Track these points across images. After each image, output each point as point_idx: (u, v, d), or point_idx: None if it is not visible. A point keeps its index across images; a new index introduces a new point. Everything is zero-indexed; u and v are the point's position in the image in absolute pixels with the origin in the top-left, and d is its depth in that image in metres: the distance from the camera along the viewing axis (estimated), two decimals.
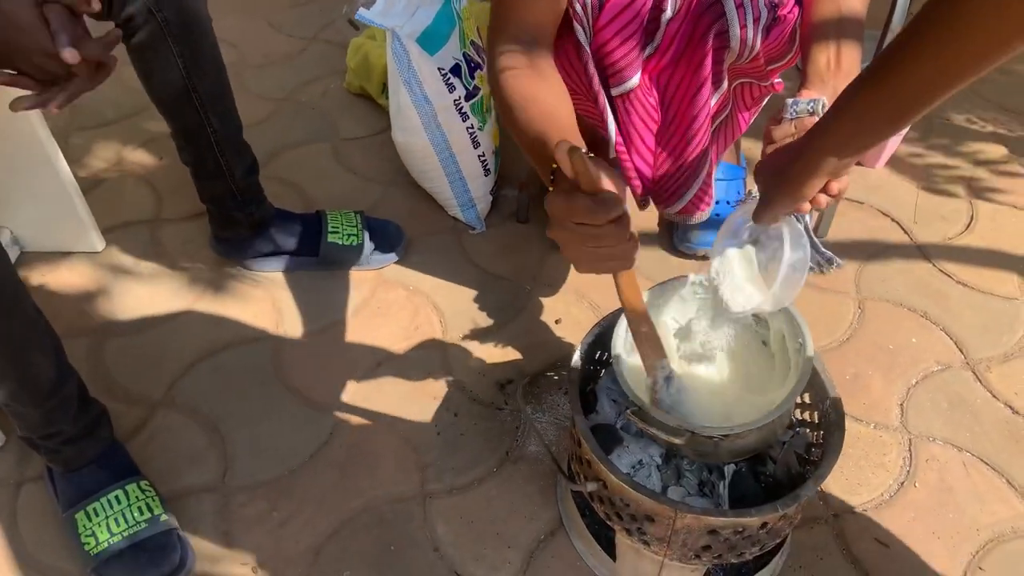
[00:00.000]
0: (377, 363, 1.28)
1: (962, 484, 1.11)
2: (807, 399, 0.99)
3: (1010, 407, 1.20)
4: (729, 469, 0.91)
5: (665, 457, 0.95)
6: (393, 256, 1.43)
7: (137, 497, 1.05)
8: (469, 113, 1.42)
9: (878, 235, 1.50)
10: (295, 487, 1.11)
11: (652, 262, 1.45)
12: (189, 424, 1.19)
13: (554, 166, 0.71)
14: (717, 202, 1.48)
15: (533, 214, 1.53)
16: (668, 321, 0.97)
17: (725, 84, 1.09)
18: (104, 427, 1.09)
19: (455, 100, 1.39)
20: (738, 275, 0.89)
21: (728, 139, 1.22)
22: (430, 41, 1.36)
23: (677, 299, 0.97)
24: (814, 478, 0.85)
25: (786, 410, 0.84)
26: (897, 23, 1.30)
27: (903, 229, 1.51)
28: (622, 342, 0.91)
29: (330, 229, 1.40)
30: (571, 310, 1.37)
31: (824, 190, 0.79)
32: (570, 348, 1.30)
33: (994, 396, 1.22)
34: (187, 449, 1.16)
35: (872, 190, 1.59)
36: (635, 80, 1.02)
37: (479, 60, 1.46)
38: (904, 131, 1.58)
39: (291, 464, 1.14)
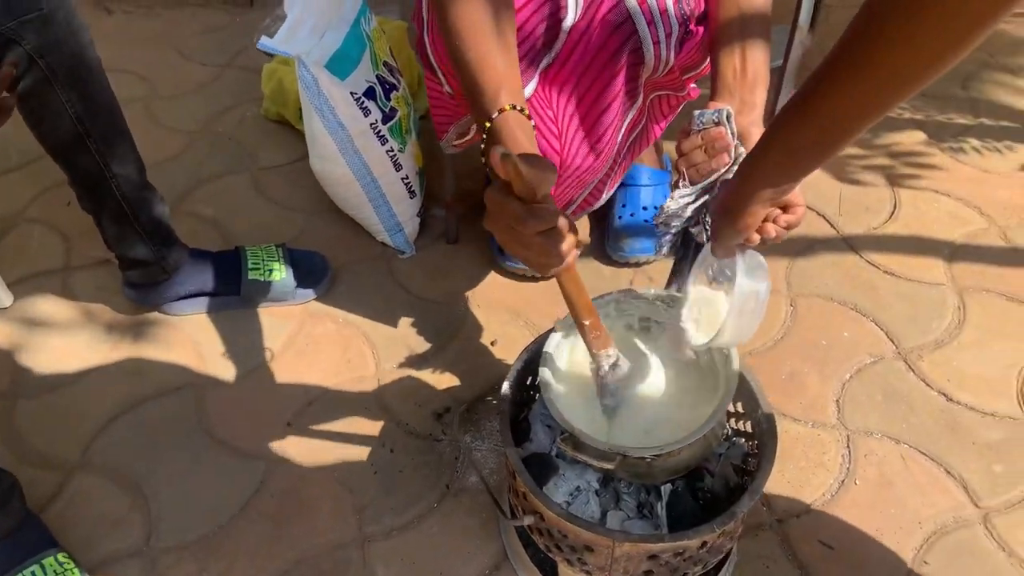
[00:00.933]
0: (308, 403, 1.23)
1: (901, 477, 1.11)
2: (740, 408, 0.98)
3: (944, 395, 1.21)
4: (666, 489, 0.89)
5: (603, 481, 0.93)
6: (318, 289, 1.39)
7: (55, 571, 0.99)
8: (388, 136, 1.39)
9: (805, 230, 1.51)
10: (225, 543, 1.06)
11: (585, 273, 1.42)
12: (109, 486, 1.13)
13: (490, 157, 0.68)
14: (645, 208, 1.48)
15: (463, 234, 1.51)
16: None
17: (640, 99, 1.08)
18: (16, 499, 1.02)
19: (371, 124, 1.35)
20: (699, 310, 0.88)
21: (639, 149, 1.21)
22: (340, 65, 1.32)
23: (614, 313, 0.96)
24: (749, 492, 0.84)
25: (714, 425, 0.83)
26: (804, 19, 1.31)
27: (829, 223, 1.53)
28: (549, 368, 0.89)
29: (250, 265, 1.35)
30: (507, 330, 1.34)
31: (774, 221, 0.80)
32: (507, 371, 1.27)
33: (928, 385, 1.23)
34: (108, 513, 1.10)
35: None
36: (528, 90, 0.99)
37: (394, 81, 1.43)
38: None
39: (220, 519, 1.09)
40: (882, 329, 1.32)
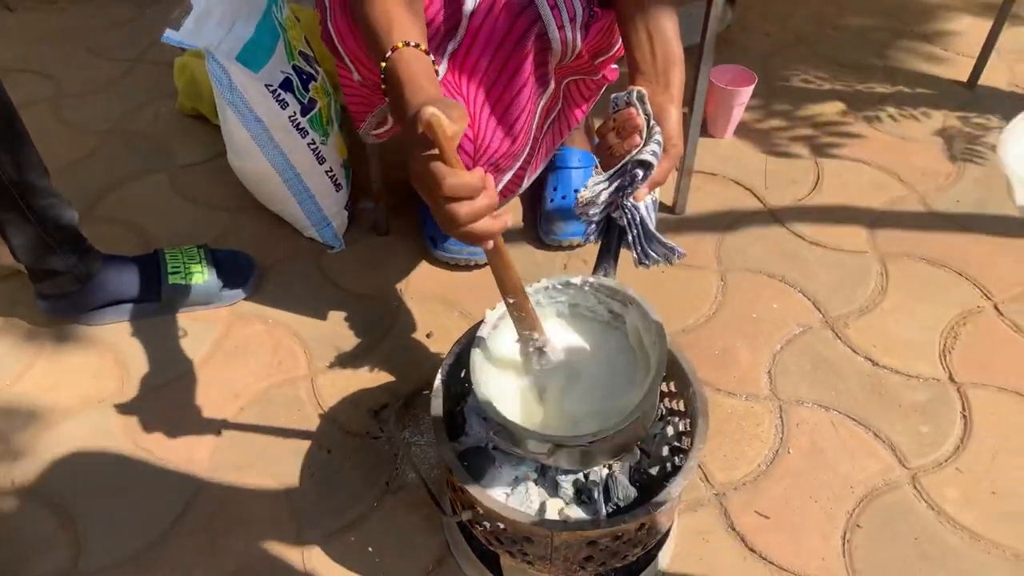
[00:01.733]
0: (239, 408, 1.20)
1: (832, 444, 1.14)
2: (672, 387, 0.99)
3: (870, 360, 1.25)
4: (601, 474, 0.89)
5: (540, 470, 0.92)
6: (245, 290, 1.35)
7: None
8: (308, 128, 1.35)
9: (734, 205, 1.53)
10: (159, 560, 1.03)
11: (518, 257, 1.42)
12: (33, 507, 1.08)
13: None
14: (576, 191, 1.46)
15: (394, 225, 1.48)
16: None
17: (552, 85, 1.07)
18: None
19: (290, 117, 1.31)
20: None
21: (559, 134, 1.20)
22: (252, 57, 1.27)
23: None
24: (682, 472, 0.84)
25: (645, 409, 0.83)
26: None
27: (756, 196, 1.55)
28: (481, 359, 0.88)
29: (170, 269, 1.30)
30: (442, 321, 1.32)
31: None
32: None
33: (854, 351, 1.26)
34: (33, 537, 1.05)
35: (723, 160, 1.62)
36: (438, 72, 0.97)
37: (311, 71, 1.39)
38: (746, 99, 1.62)
39: (152, 535, 1.05)
40: (809, 299, 1.35)
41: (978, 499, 1.07)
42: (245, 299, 1.35)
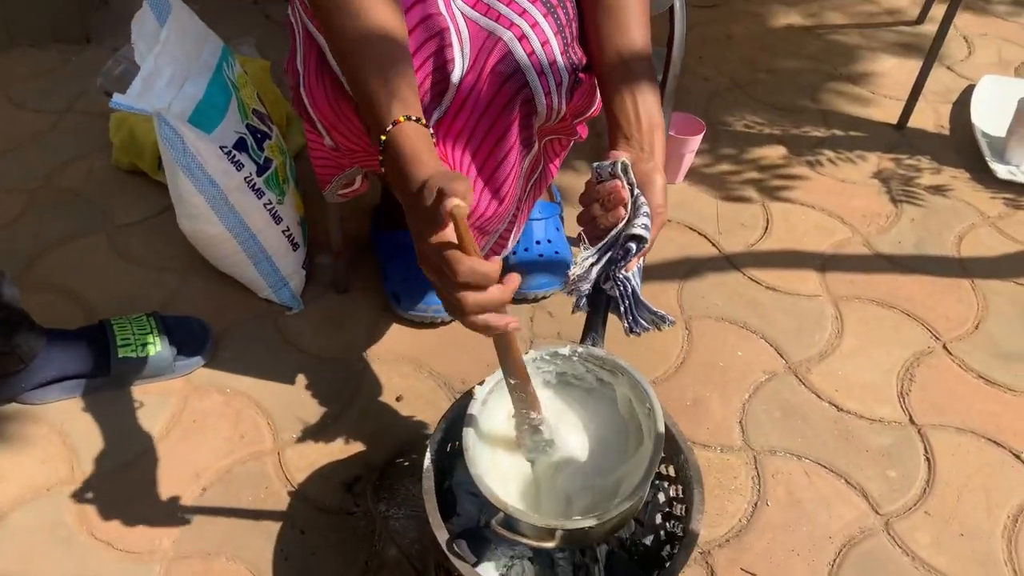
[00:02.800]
0: (202, 489, 1.13)
1: (808, 493, 1.16)
2: (663, 453, 0.98)
3: (834, 405, 1.28)
4: (603, 550, 0.88)
5: (535, 548, 0.90)
6: (200, 359, 1.28)
7: None
8: (264, 188, 1.30)
9: (690, 251, 1.56)
10: None
11: None
12: None
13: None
14: (538, 242, 1.47)
15: (354, 281, 1.44)
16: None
17: (536, 146, 1.07)
18: None
19: (245, 178, 1.27)
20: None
21: (539, 191, 1.20)
22: (205, 118, 1.23)
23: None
24: (683, 547, 0.84)
25: (645, 490, 0.82)
26: (679, 37, 1.34)
27: (711, 242, 1.58)
28: (473, 440, 0.85)
29: (119, 341, 1.22)
30: (411, 383, 1.29)
31: None
32: (417, 428, 1.22)
33: (819, 397, 1.29)
34: None
35: (676, 206, 1.65)
36: None
37: (265, 129, 1.34)
38: (696, 146, 1.65)
39: None
40: (771, 345, 1.38)
41: (948, 542, 1.10)
42: (201, 368, 1.28)
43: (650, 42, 0.96)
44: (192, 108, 1.22)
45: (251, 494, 1.13)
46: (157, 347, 1.24)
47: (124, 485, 1.13)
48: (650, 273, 1.50)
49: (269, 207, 1.31)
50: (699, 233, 1.60)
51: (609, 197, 0.86)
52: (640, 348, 1.35)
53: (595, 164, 0.88)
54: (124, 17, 1.98)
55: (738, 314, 1.43)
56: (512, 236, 1.19)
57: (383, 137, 0.75)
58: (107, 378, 1.22)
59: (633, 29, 0.94)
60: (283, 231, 1.34)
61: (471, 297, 0.68)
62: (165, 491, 1.12)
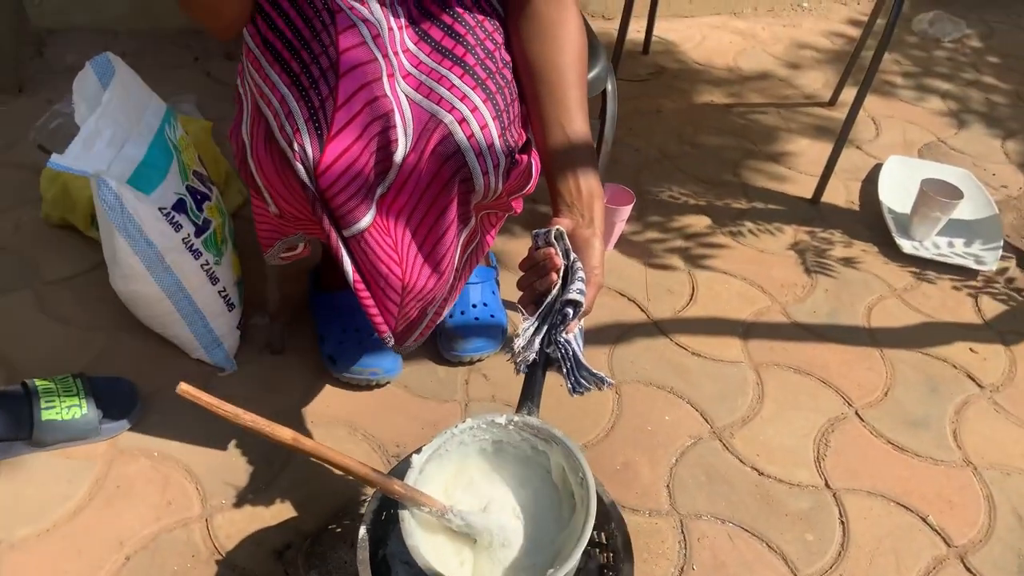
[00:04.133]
0: (125, 558, 1.10)
1: (731, 557, 1.20)
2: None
3: (756, 470, 1.34)
4: None
5: None
6: (127, 422, 1.25)
7: None
8: (202, 249, 1.30)
9: (620, 316, 1.62)
10: None
11: (419, 373, 1.43)
12: None
13: None
14: (474, 305, 1.50)
15: (289, 342, 1.44)
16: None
17: (473, 221, 1.11)
18: None
19: (183, 239, 1.27)
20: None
21: (475, 261, 1.24)
22: (145, 179, 1.23)
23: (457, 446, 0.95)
24: None
25: (578, 556, 0.85)
26: (610, 116, 1.42)
27: (640, 307, 1.64)
28: (409, 518, 0.86)
29: (43, 404, 1.19)
30: (345, 446, 1.29)
31: None
32: (351, 493, 1.22)
33: (741, 461, 1.35)
34: None
35: (608, 273, 1.70)
36: (366, 221, 0.99)
37: (205, 191, 1.35)
38: (627, 216, 1.73)
39: None
40: (697, 410, 1.44)
41: None
42: (127, 431, 1.25)
43: (587, 111, 1.03)
44: (132, 169, 1.22)
45: (177, 563, 1.10)
46: (83, 409, 1.21)
47: (41, 554, 1.08)
48: (585, 337, 1.55)
49: (206, 268, 1.31)
50: (629, 299, 1.66)
51: (543, 263, 0.90)
52: (574, 411, 1.39)
53: (534, 232, 0.93)
54: (58, 69, 1.98)
55: (666, 379, 1.48)
56: (447, 307, 1.22)
57: None
58: (28, 441, 1.18)
59: (574, 111, 1.01)
60: (219, 291, 1.34)
61: None
62: (86, 561, 1.09)
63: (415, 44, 1.02)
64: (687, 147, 2.18)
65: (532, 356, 0.92)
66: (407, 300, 1.09)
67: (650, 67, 2.54)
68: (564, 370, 0.94)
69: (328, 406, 1.35)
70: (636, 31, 2.68)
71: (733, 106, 2.38)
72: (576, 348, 0.94)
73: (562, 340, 0.91)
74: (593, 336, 1.56)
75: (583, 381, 0.94)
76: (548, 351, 0.94)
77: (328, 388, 1.38)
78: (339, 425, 1.32)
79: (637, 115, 2.28)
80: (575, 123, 1.00)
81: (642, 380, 1.48)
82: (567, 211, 0.96)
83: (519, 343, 0.89)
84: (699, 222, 1.90)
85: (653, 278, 1.72)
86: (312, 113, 0.94)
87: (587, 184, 0.96)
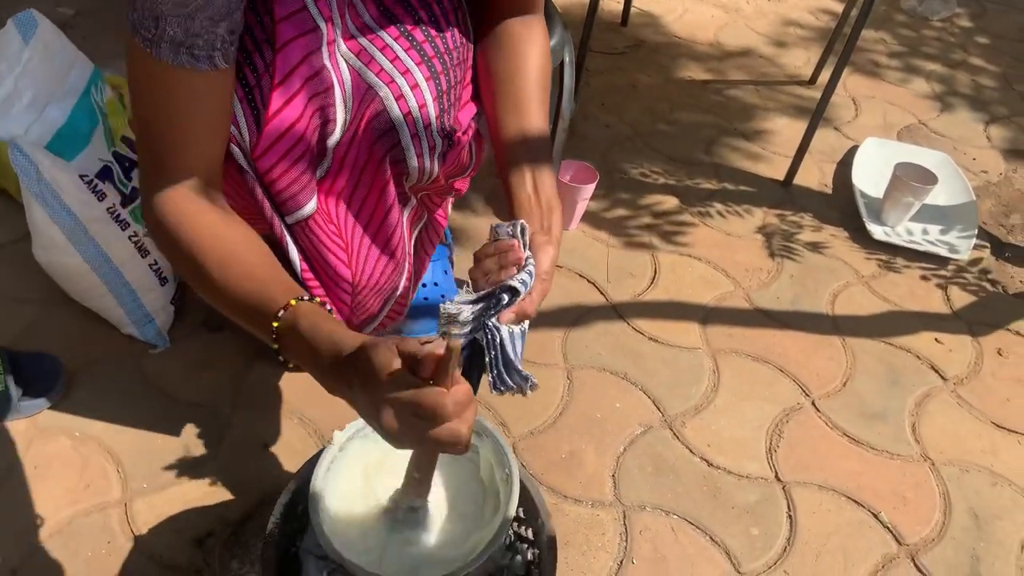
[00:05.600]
0: (39, 541, 1.05)
1: (673, 550, 1.16)
2: (522, 514, 0.97)
3: (705, 460, 1.30)
4: None
5: None
6: (47, 400, 1.20)
7: None
8: (130, 220, 1.24)
9: (579, 299, 1.57)
10: None
11: None
12: None
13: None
14: (424, 285, 1.45)
15: (227, 320, 1.37)
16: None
17: (412, 200, 1.05)
18: None
19: (108, 208, 1.20)
20: None
21: (432, 242, 1.19)
22: (66, 145, 1.16)
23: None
24: None
25: (491, 553, 0.81)
26: (567, 91, 1.36)
27: (599, 290, 1.59)
28: (320, 496, 0.82)
29: None
30: (280, 431, 1.24)
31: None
32: (282, 479, 1.17)
33: (691, 452, 1.31)
34: None
35: (568, 253, 1.66)
36: (310, 207, 0.93)
37: (135, 158, 1.28)
38: (590, 194, 1.67)
39: None
40: (649, 397, 1.39)
41: None
42: (49, 409, 1.20)
43: (547, 119, 0.98)
44: (52, 133, 1.15)
45: (91, 549, 1.06)
46: (2, 384, 1.15)
47: None
48: (539, 320, 1.50)
49: (135, 239, 1.24)
50: (589, 280, 1.61)
51: (506, 255, 0.85)
52: (524, 398, 1.34)
53: (495, 224, 0.88)
54: None
55: (620, 365, 1.44)
56: (410, 295, 1.17)
57: (276, 324, 0.72)
58: None
59: (531, 109, 0.96)
60: (150, 264, 1.28)
61: (465, 425, 0.63)
62: None
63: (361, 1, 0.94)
64: (661, 124, 2.11)
65: (459, 333, 0.87)
66: (364, 294, 1.03)
67: (628, 40, 2.46)
68: (487, 358, 0.88)
69: (263, 386, 1.29)
70: (615, 1, 2.60)
71: (711, 83, 2.31)
72: (507, 340, 0.89)
73: (491, 325, 0.86)
74: (548, 318, 1.51)
75: (507, 379, 0.89)
76: (477, 336, 0.89)
77: (265, 369, 1.32)
78: (275, 407, 1.27)
79: (611, 90, 2.21)
80: (532, 125, 0.96)
81: (595, 365, 1.43)
82: (525, 214, 0.91)
83: (447, 307, 0.83)
84: (667, 202, 1.84)
85: (615, 260, 1.67)
86: (247, 92, 0.86)
87: (546, 195, 0.92)
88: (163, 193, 0.79)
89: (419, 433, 0.62)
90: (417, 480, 0.80)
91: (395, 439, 0.64)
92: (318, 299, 0.75)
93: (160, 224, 0.79)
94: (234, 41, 0.78)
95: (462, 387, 0.63)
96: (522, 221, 0.87)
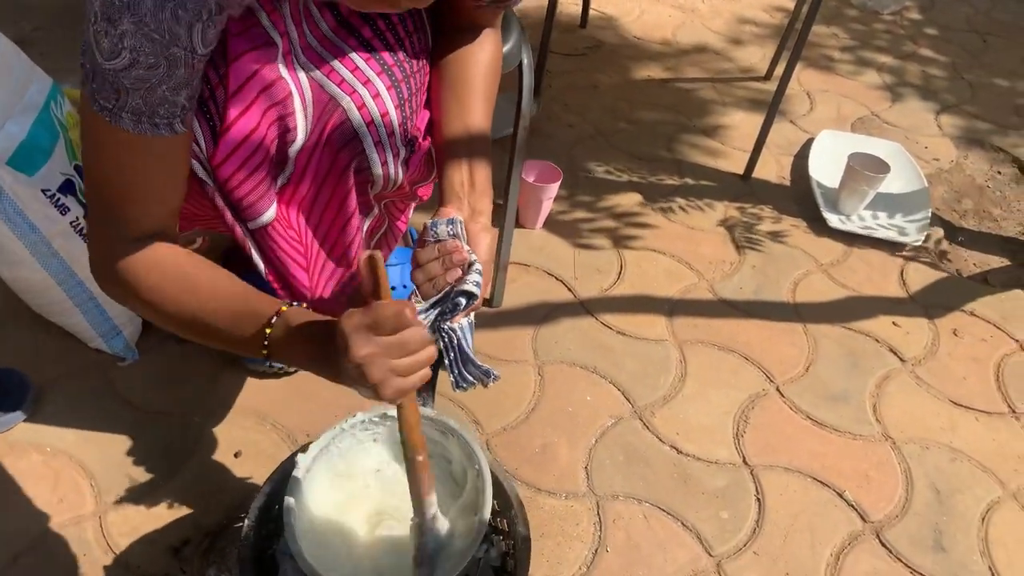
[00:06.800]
0: (12, 558, 1.05)
1: (645, 537, 1.19)
2: (496, 506, 0.98)
3: (675, 448, 1.33)
4: None
5: None
6: (19, 415, 1.19)
7: None
8: None
9: (546, 296, 1.59)
10: None
11: None
12: None
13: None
14: (393, 288, 1.46)
15: None
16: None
17: (376, 210, 1.07)
18: None
19: (71, 222, 1.20)
20: None
21: (391, 247, 1.20)
22: (26, 160, 1.15)
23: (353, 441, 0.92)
24: None
25: (469, 559, 0.82)
26: (527, 91, 1.38)
27: (567, 286, 1.62)
28: (296, 502, 0.83)
29: None
30: (252, 437, 1.24)
31: None
32: (255, 486, 1.18)
33: (661, 440, 1.34)
34: None
35: (535, 251, 1.68)
36: (270, 214, 0.94)
37: None
38: (554, 193, 1.69)
39: None
40: (619, 389, 1.42)
41: None
42: (17, 425, 1.19)
43: (491, 118, 1.00)
44: (13, 149, 1.14)
45: (67, 563, 1.05)
46: None
47: None
48: (506, 318, 1.52)
49: None
50: (556, 278, 1.63)
51: (451, 256, 0.87)
52: (495, 394, 1.36)
53: (430, 222, 0.89)
54: None
55: (589, 359, 1.46)
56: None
57: (269, 331, 0.78)
58: None
59: (475, 106, 0.98)
60: None
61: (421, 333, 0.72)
62: None
63: (318, 9, 0.94)
64: (622, 123, 2.15)
65: None
66: (317, 291, 1.04)
67: (587, 41, 2.50)
68: (447, 360, 0.90)
69: (234, 394, 1.30)
70: (574, 4, 2.63)
71: (670, 81, 2.35)
72: (462, 339, 0.91)
73: (446, 328, 0.88)
74: (518, 316, 1.53)
75: (468, 375, 0.91)
76: (432, 338, 0.91)
77: (235, 376, 1.33)
78: (247, 415, 1.27)
79: (572, 90, 2.24)
80: (475, 119, 0.98)
81: (565, 360, 1.45)
82: (456, 202, 0.92)
83: None
84: (630, 199, 1.87)
85: (581, 257, 1.70)
86: (202, 104, 0.87)
87: (481, 177, 0.94)
88: (119, 240, 0.82)
89: (391, 366, 0.70)
90: (417, 465, 0.80)
91: (381, 387, 0.70)
92: (304, 304, 0.79)
93: (121, 272, 0.82)
94: (192, 106, 0.80)
95: (414, 323, 0.71)
96: (459, 217, 0.88)
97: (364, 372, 0.70)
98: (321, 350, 0.75)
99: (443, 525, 0.85)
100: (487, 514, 0.83)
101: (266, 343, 0.79)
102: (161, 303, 0.83)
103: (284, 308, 0.80)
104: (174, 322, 0.84)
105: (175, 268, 0.83)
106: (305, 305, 0.84)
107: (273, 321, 0.78)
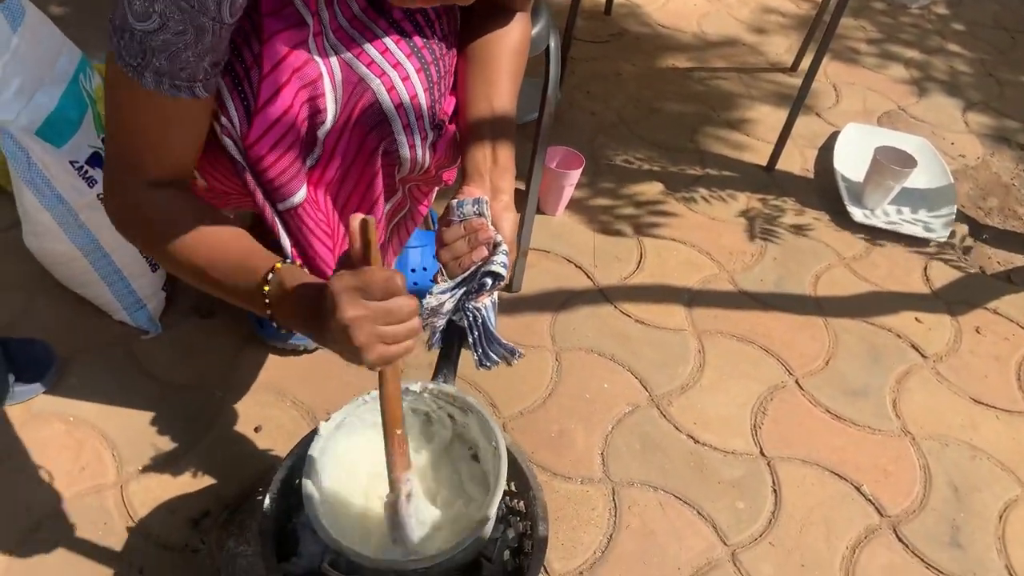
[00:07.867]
0: (36, 523, 1.06)
1: (660, 524, 1.19)
2: (514, 487, 0.99)
3: (692, 437, 1.32)
4: None
5: None
6: (41, 385, 1.21)
7: None
8: None
9: (566, 282, 1.59)
10: None
11: None
12: None
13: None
14: (413, 270, 1.46)
15: (218, 305, 1.39)
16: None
17: (400, 193, 1.07)
18: None
19: (98, 195, 1.21)
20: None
21: (409, 230, 1.20)
22: (56, 131, 1.16)
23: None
24: None
25: (487, 525, 0.83)
26: (553, 77, 1.37)
27: (586, 274, 1.61)
28: (315, 476, 0.83)
29: None
30: (272, 413, 1.25)
31: None
32: (274, 460, 1.19)
33: (677, 429, 1.33)
34: None
35: (555, 238, 1.68)
36: (300, 195, 0.94)
37: None
38: (576, 180, 1.69)
39: None
40: (636, 377, 1.41)
41: (790, 573, 1.15)
42: (43, 395, 1.21)
43: (516, 98, 0.99)
44: (42, 120, 1.15)
45: (88, 531, 1.07)
46: None
47: None
48: (525, 303, 1.52)
49: None
50: (576, 265, 1.63)
51: (476, 235, 0.87)
52: (513, 378, 1.36)
53: (455, 201, 0.89)
54: None
55: (607, 347, 1.46)
56: None
57: (267, 288, 0.77)
58: None
59: (502, 84, 0.97)
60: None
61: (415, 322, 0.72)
62: None
63: None
64: (645, 111, 2.13)
65: (441, 322, 0.89)
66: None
67: (612, 29, 2.48)
68: (471, 339, 0.90)
69: (254, 370, 1.31)
70: None
71: (694, 71, 2.34)
72: (487, 318, 0.91)
73: (471, 307, 0.88)
74: (536, 302, 1.53)
75: (492, 353, 0.91)
76: (455, 318, 0.91)
77: (256, 352, 1.34)
78: (267, 391, 1.28)
79: (596, 78, 2.23)
80: (501, 97, 0.97)
81: (583, 347, 1.45)
82: (479, 179, 0.92)
83: (429, 301, 0.85)
84: (652, 188, 1.86)
85: (602, 244, 1.69)
86: (236, 83, 0.87)
87: (503, 156, 0.94)
88: (133, 186, 0.82)
89: (377, 331, 0.69)
90: (395, 440, 0.80)
91: (365, 351, 0.69)
92: (298, 262, 0.77)
93: (134, 214, 0.83)
94: (217, 72, 0.80)
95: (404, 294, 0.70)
96: (484, 196, 0.88)
97: (349, 334, 0.68)
98: (312, 310, 0.74)
99: (423, 506, 0.85)
100: (500, 490, 0.83)
101: (267, 301, 0.78)
102: (173, 250, 0.82)
103: (279, 266, 0.78)
104: (185, 269, 0.84)
105: (183, 215, 0.83)
106: (299, 263, 0.83)
107: (269, 278, 0.77)
